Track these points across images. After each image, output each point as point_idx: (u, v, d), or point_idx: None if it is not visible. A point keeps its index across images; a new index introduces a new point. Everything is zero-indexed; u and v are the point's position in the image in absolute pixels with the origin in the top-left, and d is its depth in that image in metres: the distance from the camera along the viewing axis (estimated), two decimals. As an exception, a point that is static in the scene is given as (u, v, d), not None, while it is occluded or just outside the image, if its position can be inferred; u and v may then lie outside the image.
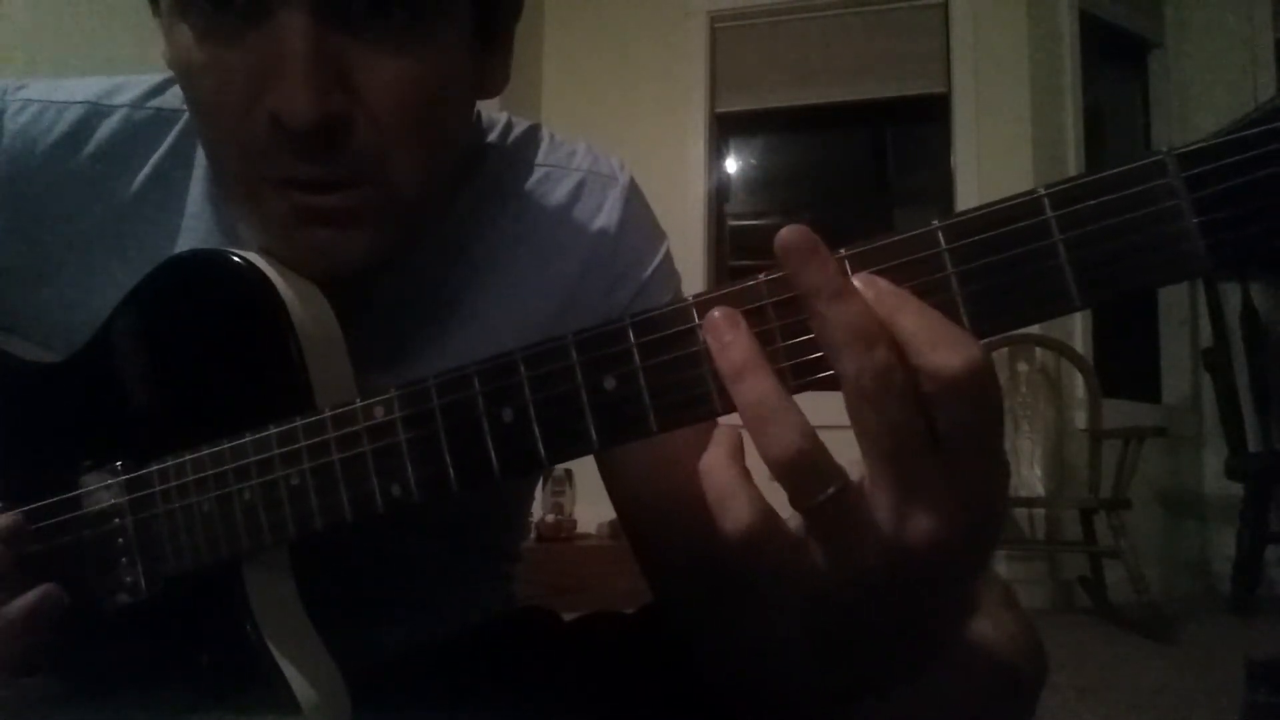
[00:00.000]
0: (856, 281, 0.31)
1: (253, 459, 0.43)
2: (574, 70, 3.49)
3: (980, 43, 3.21)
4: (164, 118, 0.55)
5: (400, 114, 0.44)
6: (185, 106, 0.53)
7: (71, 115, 0.53)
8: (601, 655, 0.60)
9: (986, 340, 0.31)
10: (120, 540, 0.47)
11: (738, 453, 0.32)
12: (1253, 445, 3.00)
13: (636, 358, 0.35)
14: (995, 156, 3.14)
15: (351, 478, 0.41)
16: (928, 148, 3.41)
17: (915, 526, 0.30)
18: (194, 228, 0.53)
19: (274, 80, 0.41)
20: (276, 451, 0.42)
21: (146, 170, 0.54)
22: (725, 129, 3.60)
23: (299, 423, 0.42)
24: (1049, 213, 0.30)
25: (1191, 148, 0.29)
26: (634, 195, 0.62)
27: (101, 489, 0.48)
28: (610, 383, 0.35)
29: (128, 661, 0.49)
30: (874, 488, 0.30)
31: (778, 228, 0.31)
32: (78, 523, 0.48)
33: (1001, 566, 2.79)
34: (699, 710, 0.51)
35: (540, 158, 0.62)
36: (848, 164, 3.90)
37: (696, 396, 0.34)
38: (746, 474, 0.31)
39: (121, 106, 0.55)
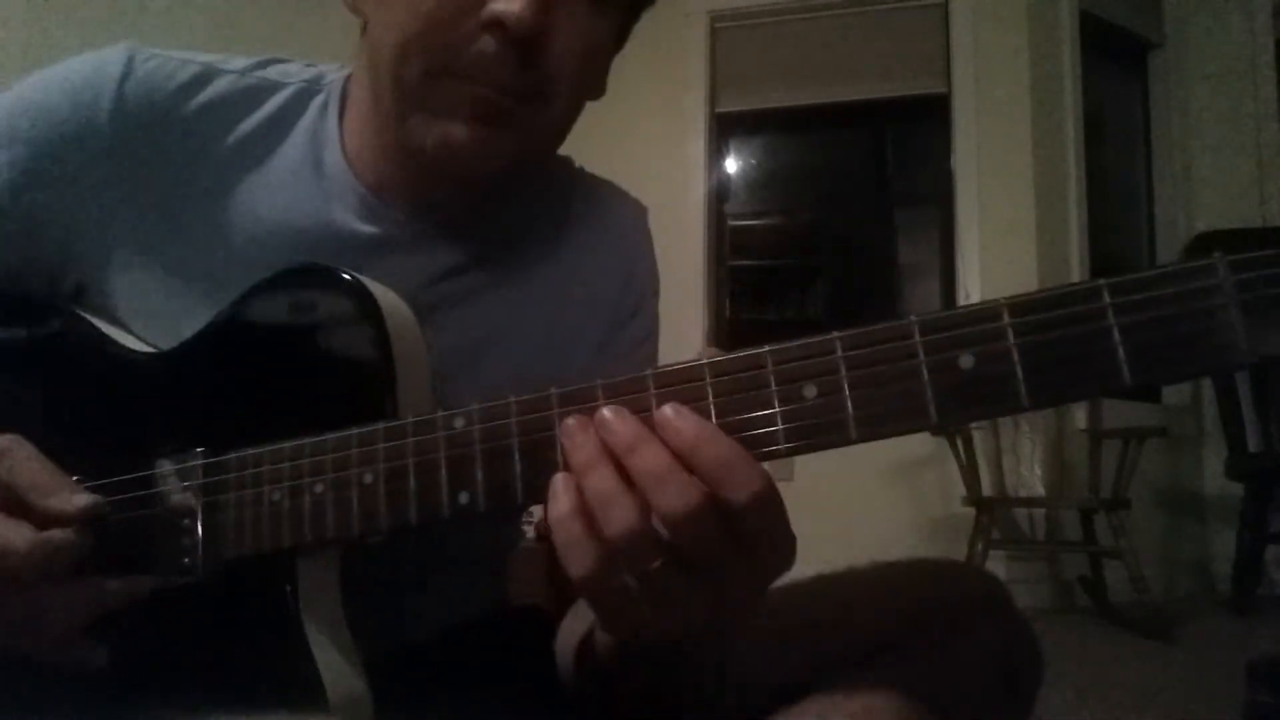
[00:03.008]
0: (668, 410, 0.37)
1: (330, 455, 0.46)
2: (574, 70, 3.48)
3: (980, 43, 3.21)
4: (266, 86, 0.60)
5: (575, 60, 0.54)
6: (286, 80, 0.61)
7: (189, 71, 0.58)
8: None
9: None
10: (187, 522, 0.49)
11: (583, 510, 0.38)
12: (1253, 445, 2.99)
13: (710, 394, 0.39)
14: (995, 156, 3.14)
15: (423, 482, 0.43)
16: (928, 148, 3.41)
17: (724, 592, 0.39)
18: (290, 184, 0.58)
19: None
20: (354, 450, 0.45)
21: (246, 128, 0.58)
22: (725, 129, 3.60)
23: (380, 426, 0.45)
24: (1106, 299, 0.33)
25: (1243, 257, 0.31)
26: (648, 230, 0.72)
27: (178, 471, 0.50)
28: None
29: (167, 641, 0.50)
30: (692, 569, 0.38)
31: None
32: (149, 501, 0.50)
33: (1001, 566, 2.79)
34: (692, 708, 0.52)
35: (578, 181, 0.70)
36: (848, 164, 3.89)
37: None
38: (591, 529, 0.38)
39: (231, 72, 0.60)
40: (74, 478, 0.50)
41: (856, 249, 3.91)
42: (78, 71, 0.56)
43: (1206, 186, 3.51)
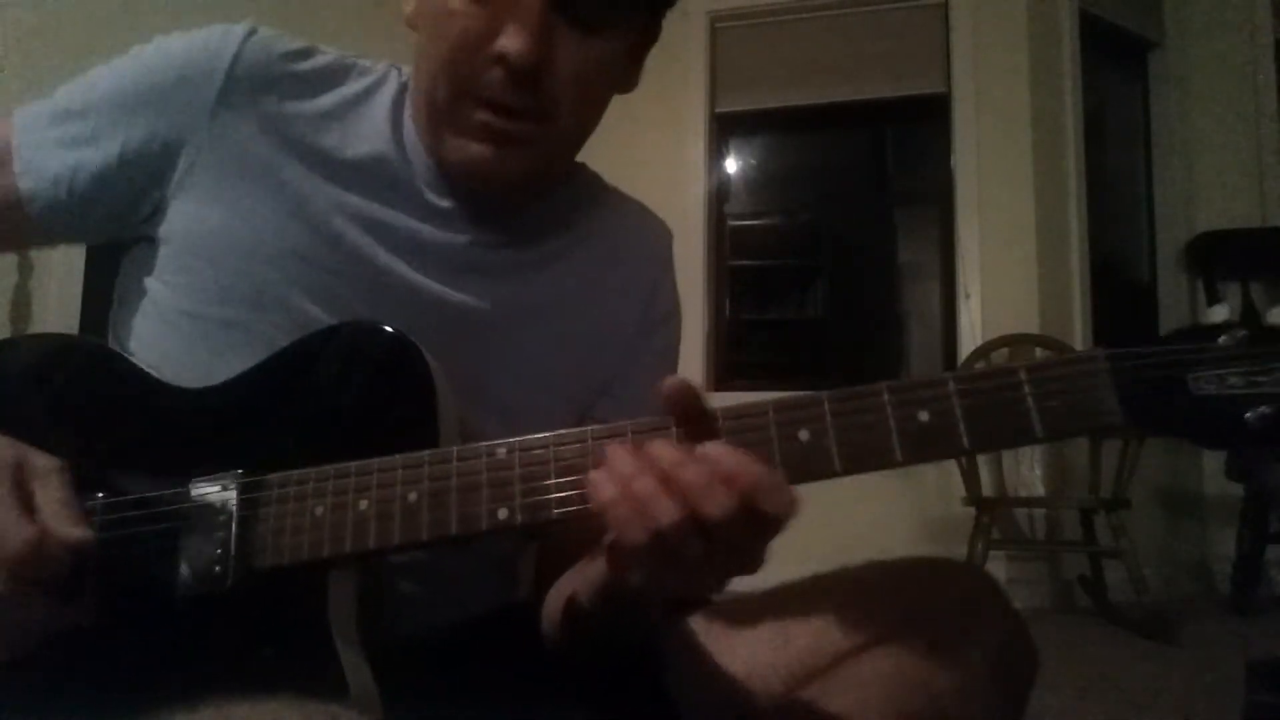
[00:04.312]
0: (707, 448, 0.44)
1: (376, 476, 0.50)
2: (574, 70, 3.48)
3: (980, 43, 3.21)
4: (357, 68, 0.70)
5: (572, 84, 0.61)
6: (375, 69, 0.71)
7: (297, 43, 0.68)
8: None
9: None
10: (220, 535, 0.52)
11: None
12: (1253, 445, 2.99)
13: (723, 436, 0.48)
14: (995, 156, 3.14)
15: (465, 499, 0.48)
16: (927, 148, 3.41)
17: (733, 569, 0.47)
18: (374, 137, 0.68)
19: (510, 30, 0.57)
20: (400, 470, 0.50)
21: (342, 92, 0.68)
22: (725, 129, 3.60)
23: (425, 453, 0.50)
24: (1023, 377, 0.45)
25: (1118, 351, 0.44)
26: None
27: (215, 486, 0.53)
28: None
29: (191, 642, 0.52)
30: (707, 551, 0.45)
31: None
32: (184, 513, 0.53)
33: (1001, 566, 2.79)
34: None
35: (610, 194, 0.76)
36: (848, 164, 3.90)
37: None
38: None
39: (331, 53, 0.70)
40: (101, 496, 0.55)
41: (856, 249, 3.91)
42: (211, 30, 0.67)
43: (1206, 186, 3.51)
